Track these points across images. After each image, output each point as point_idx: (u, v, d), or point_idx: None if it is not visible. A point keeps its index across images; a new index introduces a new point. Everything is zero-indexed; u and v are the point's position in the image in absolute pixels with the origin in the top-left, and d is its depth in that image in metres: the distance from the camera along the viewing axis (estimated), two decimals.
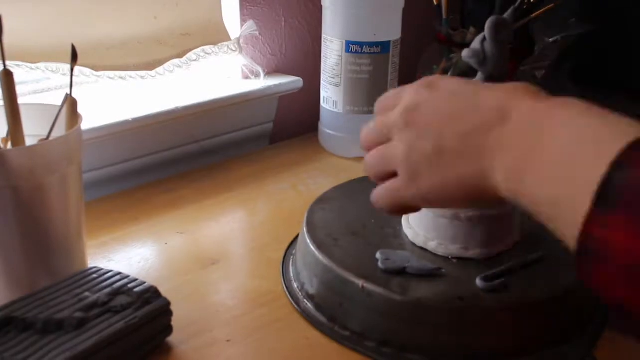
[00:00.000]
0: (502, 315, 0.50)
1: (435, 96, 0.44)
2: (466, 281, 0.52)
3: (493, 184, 0.38)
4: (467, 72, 0.91)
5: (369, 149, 0.47)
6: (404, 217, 0.59)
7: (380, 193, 0.46)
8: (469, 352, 0.50)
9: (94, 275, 0.52)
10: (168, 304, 0.51)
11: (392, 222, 0.60)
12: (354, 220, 0.61)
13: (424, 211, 0.55)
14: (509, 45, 0.53)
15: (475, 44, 0.52)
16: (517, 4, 0.51)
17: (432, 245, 0.56)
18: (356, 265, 0.54)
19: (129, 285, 0.50)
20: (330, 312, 0.54)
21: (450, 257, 0.55)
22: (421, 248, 0.56)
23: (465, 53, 0.53)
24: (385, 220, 0.60)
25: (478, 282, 0.51)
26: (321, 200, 0.65)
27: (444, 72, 0.91)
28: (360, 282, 0.52)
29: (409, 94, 0.45)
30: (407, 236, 0.58)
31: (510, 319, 0.50)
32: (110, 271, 0.52)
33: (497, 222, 0.55)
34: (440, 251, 0.55)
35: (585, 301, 0.54)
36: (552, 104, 0.37)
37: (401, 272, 0.53)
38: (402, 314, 0.50)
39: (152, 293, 0.50)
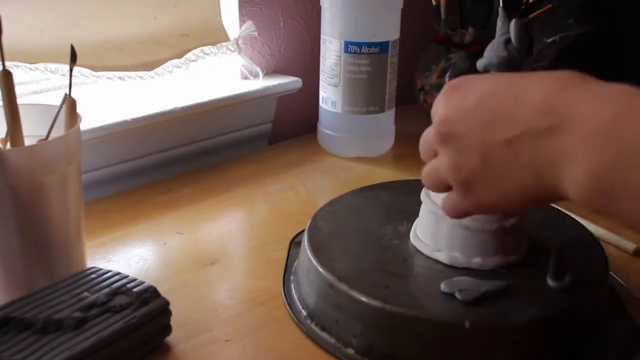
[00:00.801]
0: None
1: (465, 102, 0.41)
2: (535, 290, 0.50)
3: (563, 190, 0.36)
4: (465, 73, 0.91)
5: (424, 162, 0.46)
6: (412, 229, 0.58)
7: (444, 204, 0.45)
8: None
9: (93, 275, 0.52)
10: (167, 303, 0.51)
11: (401, 234, 0.58)
12: (361, 227, 0.60)
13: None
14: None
15: (500, 51, 0.51)
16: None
17: (441, 256, 0.54)
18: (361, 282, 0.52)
19: (128, 285, 0.51)
20: (329, 326, 0.53)
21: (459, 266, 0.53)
22: (429, 258, 0.55)
23: (492, 61, 0.52)
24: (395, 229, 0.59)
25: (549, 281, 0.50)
26: (329, 204, 0.64)
27: (443, 72, 0.92)
28: (465, 322, 0.47)
29: (439, 104, 0.42)
30: (415, 247, 0.57)
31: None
32: (109, 271, 0.52)
33: (508, 232, 0.53)
34: (458, 262, 0.54)
35: None
36: (615, 110, 0.34)
37: (479, 300, 0.49)
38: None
39: (151, 293, 0.50)
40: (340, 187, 0.78)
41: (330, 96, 0.87)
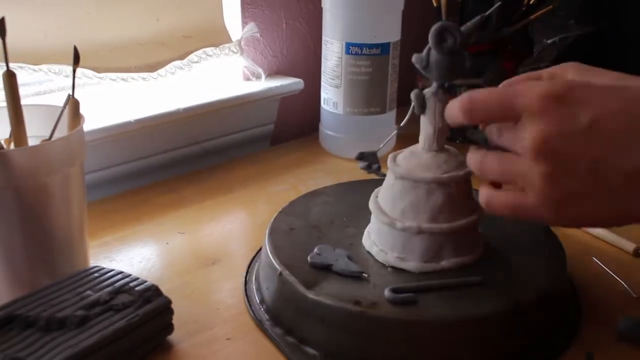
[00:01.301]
0: (393, 327, 0.48)
1: (575, 121, 0.36)
2: (379, 290, 0.50)
3: None
4: (465, 75, 0.91)
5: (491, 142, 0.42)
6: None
7: (499, 202, 0.41)
8: (359, 356, 0.49)
9: (96, 274, 0.52)
10: (169, 302, 0.51)
11: (359, 223, 0.59)
12: (324, 216, 0.61)
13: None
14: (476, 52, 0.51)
15: (425, 49, 0.50)
16: (487, 13, 0.50)
17: (374, 250, 0.55)
18: (291, 259, 0.54)
19: (131, 284, 0.51)
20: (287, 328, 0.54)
21: (387, 265, 0.54)
22: (368, 252, 0.56)
23: (413, 57, 0.51)
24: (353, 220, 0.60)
25: (386, 292, 0.50)
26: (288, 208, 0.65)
27: None
28: (279, 269, 0.53)
29: (534, 116, 0.37)
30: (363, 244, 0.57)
31: (398, 334, 0.48)
32: (112, 270, 0.53)
33: (439, 238, 0.53)
34: (380, 257, 0.54)
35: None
36: None
37: (326, 268, 0.53)
38: (306, 307, 0.50)
39: (153, 292, 0.51)
40: None
41: (331, 97, 0.88)
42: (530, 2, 0.88)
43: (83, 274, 0.52)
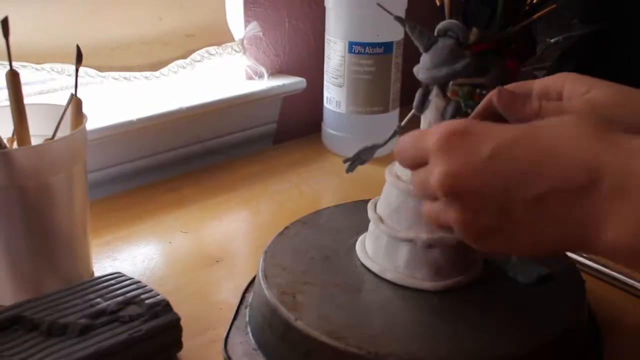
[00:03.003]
0: None
1: (475, 154, 0.36)
2: None
3: (595, 248, 0.34)
4: (469, 74, 0.91)
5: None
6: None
7: (432, 215, 0.41)
8: None
9: (112, 282, 0.51)
10: (177, 319, 0.49)
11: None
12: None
13: None
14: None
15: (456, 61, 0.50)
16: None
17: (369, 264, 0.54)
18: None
19: (142, 296, 0.49)
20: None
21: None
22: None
23: (450, 71, 0.50)
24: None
25: None
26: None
27: None
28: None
29: (437, 155, 0.38)
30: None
31: None
32: (131, 279, 0.51)
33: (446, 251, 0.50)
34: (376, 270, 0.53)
35: None
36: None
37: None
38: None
39: (163, 307, 0.49)
40: (345, 187, 0.79)
41: (334, 96, 0.87)
42: (534, 1, 0.88)
43: (99, 279, 0.51)
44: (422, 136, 0.40)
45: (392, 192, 0.52)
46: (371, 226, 0.54)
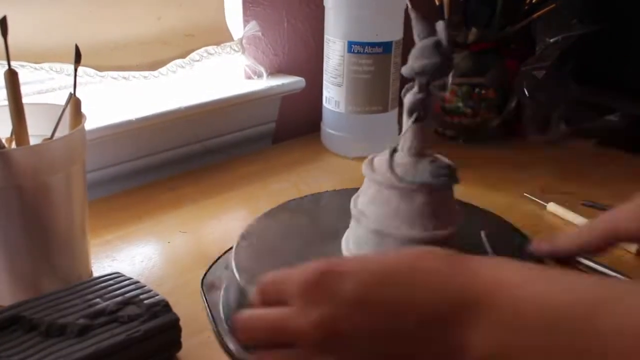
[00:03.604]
0: None
1: (341, 294, 0.36)
2: None
3: None
4: (468, 74, 0.91)
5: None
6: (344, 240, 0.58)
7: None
8: None
9: (111, 282, 0.51)
10: (176, 320, 0.49)
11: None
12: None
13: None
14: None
15: (433, 56, 0.49)
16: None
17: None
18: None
19: (141, 296, 0.49)
20: None
21: None
22: None
23: (426, 68, 0.50)
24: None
25: None
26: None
27: None
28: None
29: (304, 305, 0.37)
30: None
31: None
32: (129, 279, 0.51)
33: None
34: None
35: None
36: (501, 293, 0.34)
37: None
38: None
39: (162, 307, 0.48)
40: (344, 187, 0.78)
41: (333, 96, 0.87)
42: (533, 1, 0.88)
43: (98, 279, 0.51)
44: (281, 281, 0.39)
45: (370, 187, 0.53)
46: (352, 221, 0.55)
